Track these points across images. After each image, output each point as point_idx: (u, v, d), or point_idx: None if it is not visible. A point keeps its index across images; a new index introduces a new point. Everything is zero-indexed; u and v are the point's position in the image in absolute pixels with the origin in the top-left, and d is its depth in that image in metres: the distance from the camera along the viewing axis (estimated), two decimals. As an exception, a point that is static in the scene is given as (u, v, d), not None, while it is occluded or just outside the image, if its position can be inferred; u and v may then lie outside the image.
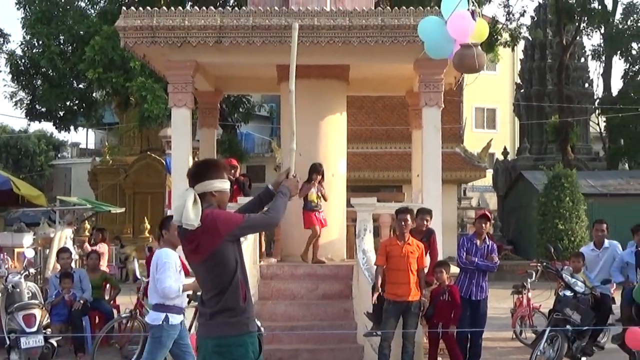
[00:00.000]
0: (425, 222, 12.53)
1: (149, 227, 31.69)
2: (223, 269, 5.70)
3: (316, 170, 15.11)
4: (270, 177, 40.43)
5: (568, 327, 11.93)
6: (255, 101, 39.44)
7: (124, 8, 14.95)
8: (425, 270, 11.78)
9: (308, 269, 15.05)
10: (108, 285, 15.50)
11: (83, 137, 63.06)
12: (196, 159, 16.90)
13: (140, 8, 14.75)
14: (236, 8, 15.15)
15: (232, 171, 15.22)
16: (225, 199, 5.98)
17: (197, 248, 5.69)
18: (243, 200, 12.97)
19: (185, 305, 9.82)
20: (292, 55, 6.50)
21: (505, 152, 41.92)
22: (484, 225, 12.49)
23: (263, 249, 16.34)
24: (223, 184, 5.92)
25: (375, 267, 12.18)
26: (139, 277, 13.77)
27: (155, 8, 14.79)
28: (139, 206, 34.90)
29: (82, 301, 13.85)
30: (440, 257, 13.09)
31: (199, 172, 5.90)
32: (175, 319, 9.36)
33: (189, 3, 29.81)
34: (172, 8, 14.69)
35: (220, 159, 18.75)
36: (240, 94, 33.07)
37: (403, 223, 11.49)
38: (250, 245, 13.62)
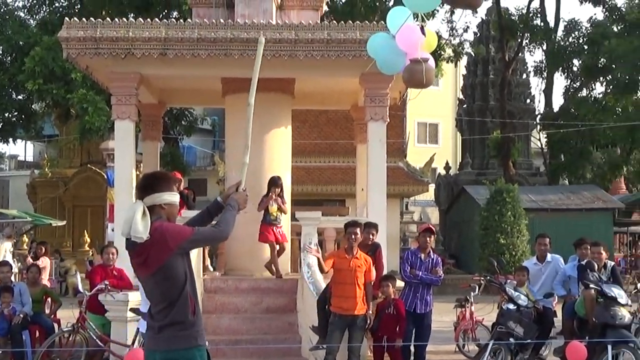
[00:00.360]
0: (371, 236, 12.53)
1: (88, 240, 31.37)
2: (172, 282, 5.63)
3: (275, 183, 15.01)
4: (212, 190, 40.28)
5: (511, 340, 12.01)
6: (197, 114, 39.32)
7: (66, 18, 14.75)
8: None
9: (252, 282, 14.98)
10: (49, 300, 15.24)
11: (22, 149, 62.18)
12: (138, 172, 16.77)
13: (83, 19, 14.59)
14: (181, 20, 15.07)
15: (177, 184, 15.07)
16: (175, 212, 5.91)
17: (146, 261, 5.61)
18: (187, 213, 12.87)
19: None
20: (256, 69, 6.48)
21: (447, 167, 42.25)
22: (428, 239, 12.44)
23: (207, 262, 16.22)
24: (172, 197, 5.85)
25: (322, 281, 12.21)
26: (80, 290, 13.58)
27: (99, 19, 14.65)
28: (79, 219, 34.54)
29: (22, 315, 13.59)
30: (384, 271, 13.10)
31: (149, 185, 5.82)
32: None
33: (132, 14, 29.55)
34: (116, 19, 14.55)
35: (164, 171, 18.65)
36: (183, 106, 32.94)
37: (353, 236, 11.41)
38: (194, 258, 13.48)
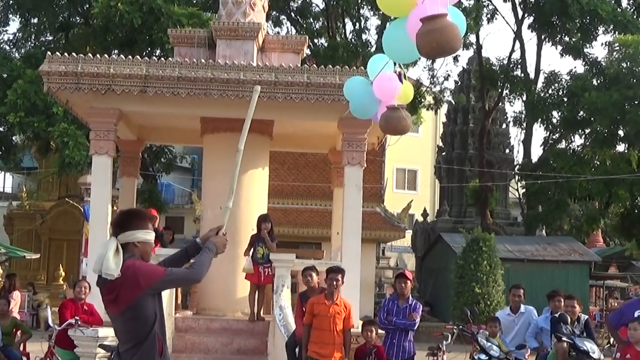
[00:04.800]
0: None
1: (63, 274, 31.18)
2: (141, 321, 5.59)
3: (265, 219, 14.87)
4: (189, 228, 40.18)
5: (482, 390, 11.98)
6: (177, 152, 39.32)
7: (48, 53, 14.78)
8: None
9: (224, 322, 14.89)
10: (19, 332, 15.09)
11: (0, 180, 61.75)
12: (115, 208, 16.71)
13: (65, 54, 14.62)
14: (162, 58, 15.12)
15: (152, 222, 15.00)
16: (149, 250, 5.89)
17: (116, 299, 5.57)
18: (161, 251, 12.81)
19: None
20: (248, 116, 6.54)
21: (425, 214, 42.34)
22: (403, 285, 12.31)
23: (179, 300, 16.13)
24: (147, 235, 5.83)
25: (293, 324, 12.10)
26: (51, 324, 13.48)
27: (81, 54, 14.68)
28: (54, 253, 34.40)
29: (-10, 348, 13.51)
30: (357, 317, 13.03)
31: (123, 222, 5.80)
32: None
33: (115, 51, 29.60)
34: (97, 55, 14.58)
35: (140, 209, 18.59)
36: (162, 144, 32.94)
37: (334, 283, 11.23)
38: (166, 296, 13.40)
